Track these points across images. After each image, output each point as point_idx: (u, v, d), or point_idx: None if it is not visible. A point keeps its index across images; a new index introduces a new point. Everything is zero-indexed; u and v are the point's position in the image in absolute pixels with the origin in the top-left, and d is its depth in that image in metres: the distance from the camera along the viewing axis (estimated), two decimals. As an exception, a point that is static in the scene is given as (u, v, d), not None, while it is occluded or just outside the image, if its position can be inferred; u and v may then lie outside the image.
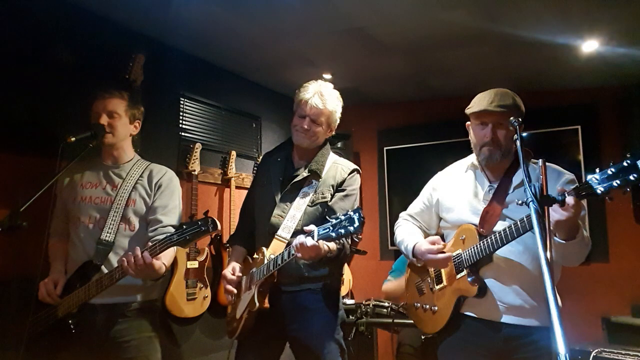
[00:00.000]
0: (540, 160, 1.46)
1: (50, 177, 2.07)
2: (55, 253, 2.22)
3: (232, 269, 2.19)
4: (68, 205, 2.21)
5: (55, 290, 2.08)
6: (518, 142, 1.59)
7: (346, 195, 2.19)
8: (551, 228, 1.62)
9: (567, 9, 2.82)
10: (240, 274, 2.17)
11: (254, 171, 4.01)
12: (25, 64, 2.54)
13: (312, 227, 1.87)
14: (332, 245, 2.02)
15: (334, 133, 2.30)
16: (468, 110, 1.96)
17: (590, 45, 3.25)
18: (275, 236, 2.12)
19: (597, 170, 1.46)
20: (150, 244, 1.97)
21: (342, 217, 1.79)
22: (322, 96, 2.17)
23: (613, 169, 1.41)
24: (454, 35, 3.22)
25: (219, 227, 1.90)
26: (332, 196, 2.17)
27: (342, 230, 1.78)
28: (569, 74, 3.87)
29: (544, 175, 1.42)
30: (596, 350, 2.97)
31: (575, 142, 4.05)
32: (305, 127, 2.17)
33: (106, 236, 2.11)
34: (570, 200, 1.51)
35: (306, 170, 2.20)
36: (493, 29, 3.07)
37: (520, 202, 1.42)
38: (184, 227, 1.90)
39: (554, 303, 1.14)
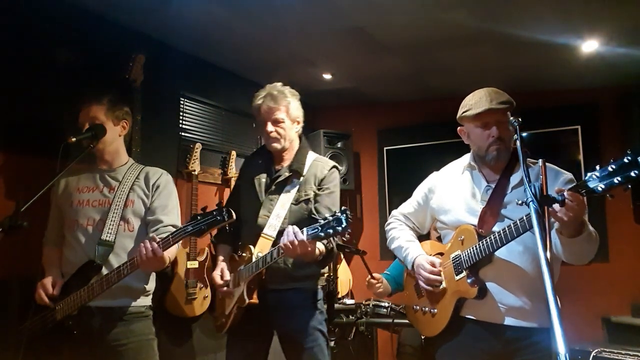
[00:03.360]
0: (540, 160, 1.44)
1: (50, 177, 2.07)
2: (50, 261, 2.21)
3: (220, 272, 2.23)
4: (64, 210, 2.21)
5: (52, 291, 2.07)
6: (518, 142, 1.56)
7: (330, 193, 2.25)
8: (557, 227, 1.63)
9: (567, 9, 2.82)
10: (229, 278, 2.22)
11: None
12: (26, 64, 2.53)
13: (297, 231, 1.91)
14: (322, 247, 2.10)
15: (302, 124, 2.35)
16: (467, 114, 1.91)
17: (590, 45, 3.25)
18: (262, 234, 2.18)
19: (597, 167, 1.42)
20: (163, 235, 1.98)
21: (330, 218, 1.86)
22: (272, 95, 2.25)
23: (613, 166, 1.37)
24: (454, 35, 3.22)
25: (234, 216, 1.90)
26: (316, 193, 2.23)
27: (331, 230, 1.85)
28: (569, 74, 3.86)
29: (544, 175, 1.40)
30: (596, 350, 2.97)
31: (575, 142, 4.05)
32: (269, 130, 2.23)
33: (107, 236, 2.11)
34: (572, 199, 1.48)
35: (288, 170, 2.26)
36: (493, 29, 3.07)
37: (520, 202, 1.40)
38: (198, 217, 1.90)
39: (554, 303, 1.13)
